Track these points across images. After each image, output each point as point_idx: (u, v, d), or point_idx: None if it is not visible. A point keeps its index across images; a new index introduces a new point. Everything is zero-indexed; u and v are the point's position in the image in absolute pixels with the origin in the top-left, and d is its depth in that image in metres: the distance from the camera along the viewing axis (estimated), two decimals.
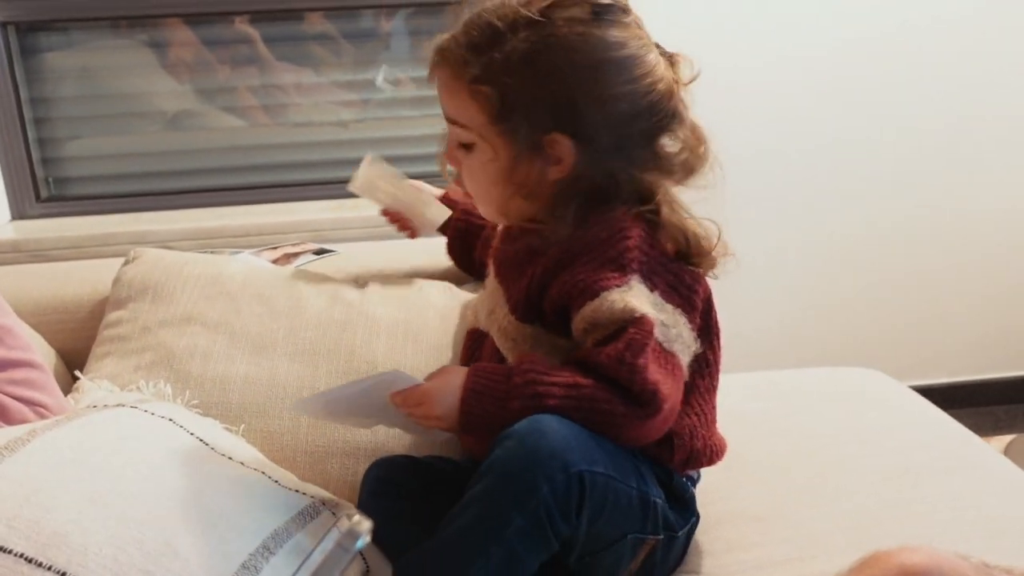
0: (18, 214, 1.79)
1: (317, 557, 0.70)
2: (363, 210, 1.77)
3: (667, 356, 0.84)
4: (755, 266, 1.97)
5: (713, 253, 0.91)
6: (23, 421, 0.90)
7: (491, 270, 1.02)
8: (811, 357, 2.02)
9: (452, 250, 1.24)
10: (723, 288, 2.04)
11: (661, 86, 0.87)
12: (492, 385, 0.82)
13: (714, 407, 0.96)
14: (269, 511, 0.84)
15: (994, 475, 1.11)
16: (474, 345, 1.05)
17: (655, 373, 0.82)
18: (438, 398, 0.83)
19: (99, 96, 1.85)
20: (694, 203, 0.94)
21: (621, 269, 0.84)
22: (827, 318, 2.06)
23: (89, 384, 1.05)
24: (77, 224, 1.73)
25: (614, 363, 0.81)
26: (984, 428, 1.27)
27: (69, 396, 1.03)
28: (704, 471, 1.01)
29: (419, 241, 1.25)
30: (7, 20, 1.71)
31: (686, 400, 0.90)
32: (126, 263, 1.21)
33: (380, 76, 1.91)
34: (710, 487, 1.03)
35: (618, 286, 0.83)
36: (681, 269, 0.89)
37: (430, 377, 0.86)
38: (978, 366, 2.15)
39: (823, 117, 1.93)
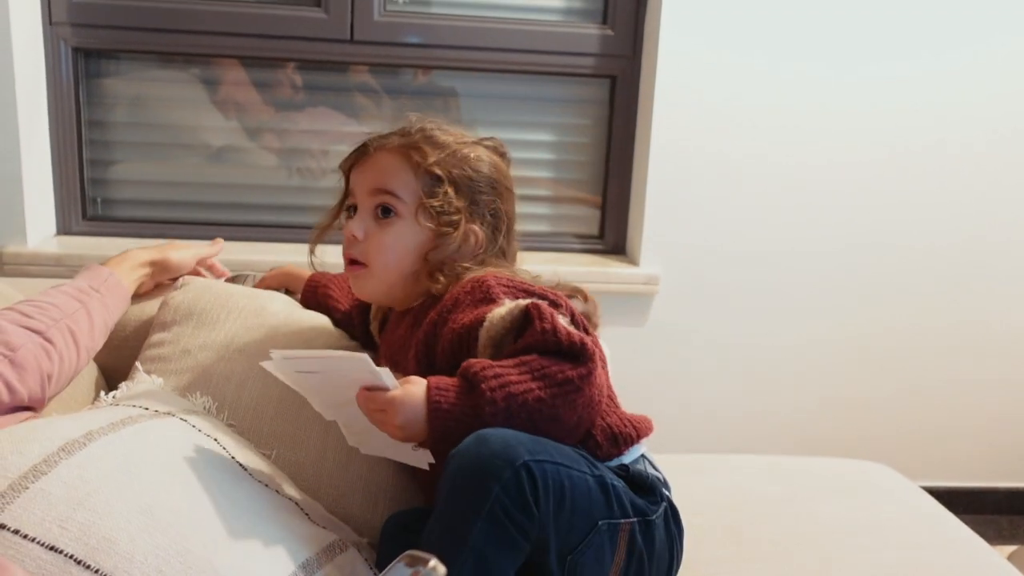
0: (64, 229, 1.84)
1: None
2: None
3: (567, 321, 0.92)
4: (778, 357, 2.01)
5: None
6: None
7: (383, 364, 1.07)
8: (822, 448, 2.04)
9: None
10: (746, 374, 2.08)
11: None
12: (451, 383, 0.86)
13: (613, 392, 1.02)
14: (301, 541, 0.86)
15: None
16: None
17: (572, 330, 0.89)
18: (400, 409, 0.84)
19: (150, 124, 1.92)
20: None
21: (491, 301, 0.94)
22: (841, 413, 2.09)
23: (144, 377, 1.09)
24: (119, 245, 1.77)
25: (538, 337, 0.88)
26: (987, 536, 1.28)
27: (123, 383, 1.10)
28: (710, 542, 1.03)
29: None
30: (78, 46, 1.78)
31: None
32: (175, 289, 1.26)
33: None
34: (715, 558, 1.05)
35: (496, 307, 0.93)
36: (544, 290, 0.99)
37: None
38: (984, 473, 2.16)
39: (850, 220, 1.98)
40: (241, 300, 1.23)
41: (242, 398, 1.11)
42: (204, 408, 1.06)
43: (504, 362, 0.87)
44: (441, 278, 1.03)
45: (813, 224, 1.97)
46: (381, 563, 0.94)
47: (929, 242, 2.01)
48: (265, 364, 0.88)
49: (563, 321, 0.90)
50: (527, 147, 2.01)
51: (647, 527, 0.93)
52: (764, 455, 1.46)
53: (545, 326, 0.88)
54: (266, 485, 0.93)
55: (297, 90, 1.95)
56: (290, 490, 0.97)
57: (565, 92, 1.97)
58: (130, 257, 1.26)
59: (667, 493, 0.98)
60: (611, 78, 1.95)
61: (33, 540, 0.72)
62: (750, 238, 1.95)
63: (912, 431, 2.11)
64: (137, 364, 1.15)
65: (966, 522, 1.29)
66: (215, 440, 0.93)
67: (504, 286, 0.97)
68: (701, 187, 1.92)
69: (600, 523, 0.88)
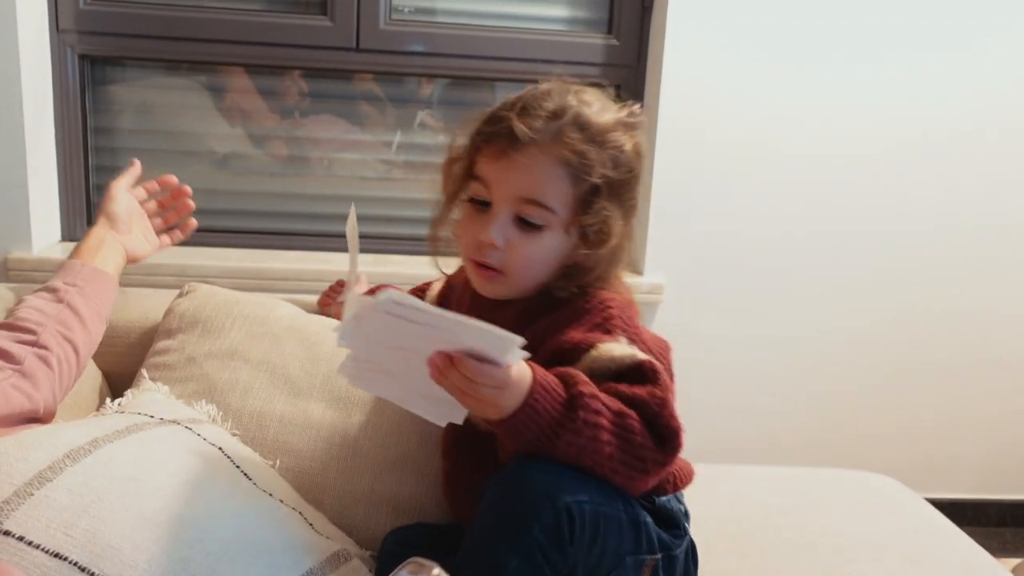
0: (69, 236, 1.84)
1: None
2: (398, 266, 1.83)
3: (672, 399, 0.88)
4: (783, 367, 2.01)
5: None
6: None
7: None
8: (826, 459, 2.04)
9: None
10: (750, 383, 2.07)
11: None
12: (556, 388, 0.81)
13: None
14: (305, 551, 0.86)
15: None
16: None
17: (677, 413, 0.84)
18: (508, 393, 0.78)
19: (156, 131, 1.92)
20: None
21: (608, 332, 0.89)
22: (845, 423, 2.08)
23: (150, 384, 1.09)
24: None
25: (650, 402, 0.83)
26: (991, 549, 1.28)
27: (128, 391, 1.10)
28: (714, 553, 1.03)
29: None
30: (85, 53, 1.79)
31: None
32: (180, 296, 1.26)
33: (418, 119, 1.99)
34: (719, 569, 1.05)
35: (609, 340, 0.88)
36: (655, 337, 0.95)
37: None
38: (989, 485, 2.16)
39: (857, 231, 1.98)
40: (246, 307, 1.23)
41: (246, 407, 1.11)
42: (209, 416, 1.06)
43: (609, 401, 0.82)
44: (573, 288, 0.94)
45: (819, 234, 1.97)
46: None
47: (935, 254, 2.00)
48: (353, 297, 0.75)
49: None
50: None
51: (670, 562, 0.93)
52: (768, 466, 1.46)
53: (661, 396, 0.83)
54: (270, 494, 0.93)
55: (302, 98, 1.95)
56: (293, 500, 0.97)
57: None
58: (89, 240, 1.19)
59: (688, 527, 0.97)
60: (615, 87, 1.95)
61: (38, 547, 0.72)
62: (754, 248, 1.96)
63: (917, 442, 2.11)
64: (142, 371, 1.16)
65: (970, 534, 1.29)
66: (219, 449, 0.94)
67: (624, 322, 0.92)
68: (705, 196, 1.92)
69: (627, 559, 0.88)
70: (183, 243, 1.84)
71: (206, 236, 1.89)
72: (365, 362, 0.81)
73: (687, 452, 0.90)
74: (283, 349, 1.19)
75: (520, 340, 0.73)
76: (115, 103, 1.88)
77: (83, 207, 1.85)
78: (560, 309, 0.93)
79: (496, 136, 0.92)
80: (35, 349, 0.99)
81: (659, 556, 0.91)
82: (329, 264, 1.81)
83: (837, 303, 2.01)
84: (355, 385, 0.81)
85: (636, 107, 0.97)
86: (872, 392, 2.07)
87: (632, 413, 0.82)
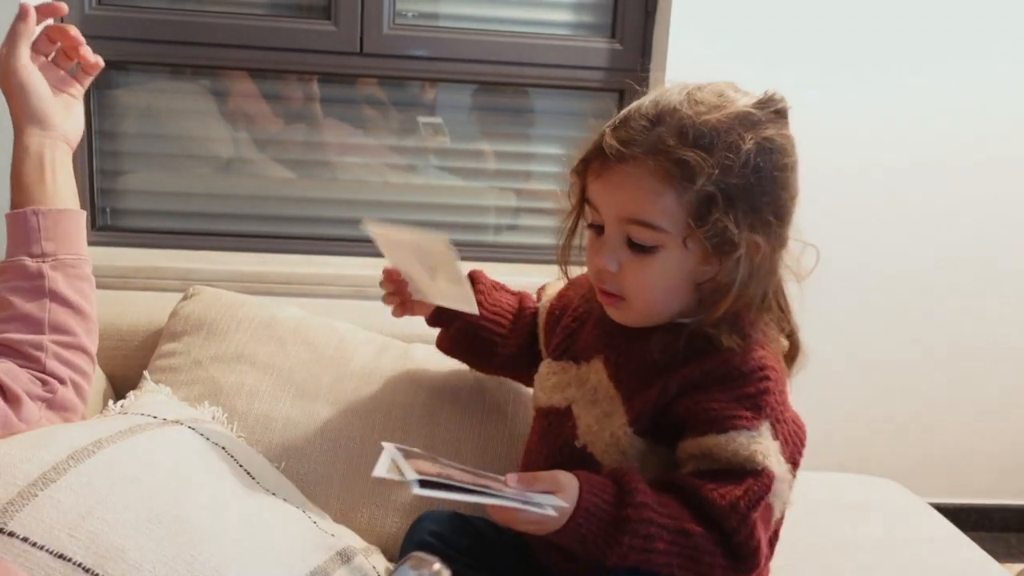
0: None
1: None
2: None
3: (769, 512, 0.82)
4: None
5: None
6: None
7: (598, 366, 0.92)
8: (830, 464, 2.03)
9: (452, 347, 1.12)
10: None
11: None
12: (604, 508, 0.78)
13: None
14: (310, 549, 0.86)
15: None
16: (551, 430, 0.95)
17: (760, 530, 0.79)
18: (548, 525, 0.77)
19: (160, 135, 1.92)
20: None
21: (756, 410, 0.81)
22: (849, 428, 2.07)
23: (152, 386, 1.09)
24: (128, 255, 1.78)
25: (727, 509, 0.78)
26: (996, 554, 1.28)
27: (131, 392, 1.07)
28: None
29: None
30: None
31: None
32: (184, 299, 1.26)
33: (422, 123, 1.99)
34: None
35: (748, 429, 0.80)
36: (795, 417, 0.88)
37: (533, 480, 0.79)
38: (993, 490, 2.15)
39: (859, 236, 1.97)
40: (251, 310, 1.24)
41: (252, 410, 1.12)
42: (213, 418, 1.06)
43: (667, 520, 0.78)
44: (718, 323, 0.83)
45: (823, 239, 1.96)
46: None
47: (938, 259, 2.00)
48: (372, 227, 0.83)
49: (760, 520, 0.80)
50: (535, 160, 2.02)
51: None
52: None
53: (740, 508, 0.78)
54: (274, 494, 0.93)
55: (306, 102, 1.95)
56: (298, 499, 0.97)
57: (573, 105, 1.98)
58: (27, 161, 0.93)
59: None
60: (619, 92, 1.95)
61: (42, 548, 0.72)
62: None
63: (921, 447, 2.10)
64: (145, 374, 1.16)
65: (974, 539, 1.28)
66: (224, 449, 0.94)
67: (776, 400, 0.83)
68: None
69: None
70: (184, 247, 1.86)
71: (209, 240, 1.90)
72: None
73: None
74: (289, 352, 1.19)
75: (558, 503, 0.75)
76: (119, 107, 1.88)
77: (87, 209, 1.85)
78: (713, 361, 0.83)
79: (595, 154, 0.85)
80: (45, 395, 0.89)
81: None
82: (334, 269, 1.81)
83: (841, 306, 2.01)
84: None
85: (775, 94, 0.88)
86: (878, 398, 2.07)
87: (699, 531, 0.78)
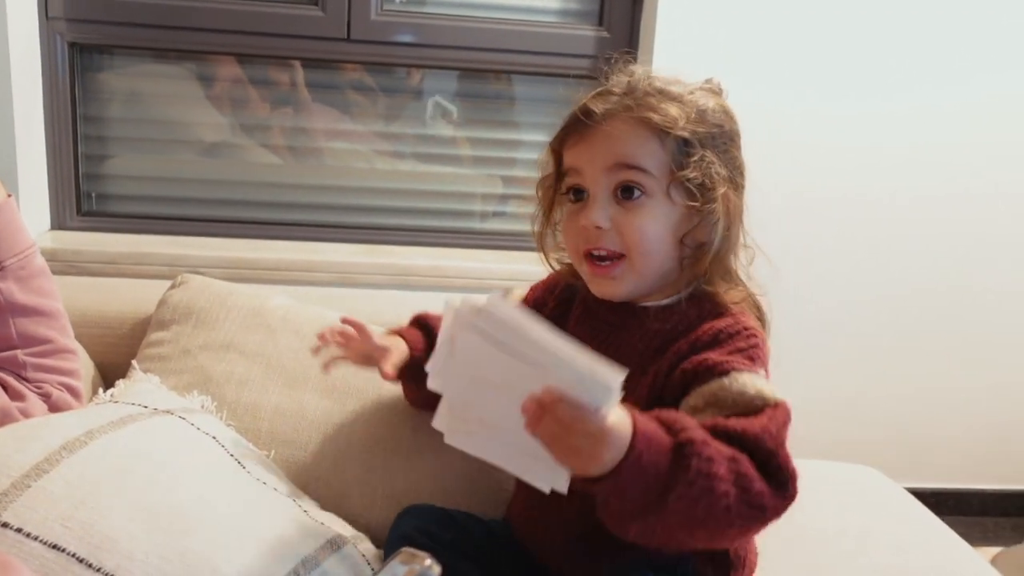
0: (58, 224, 1.84)
1: None
2: (390, 257, 1.84)
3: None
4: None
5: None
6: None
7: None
8: (807, 450, 2.05)
9: (429, 403, 0.94)
10: None
11: None
12: (659, 459, 0.68)
13: None
14: (300, 537, 0.87)
15: None
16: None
17: (791, 455, 0.76)
18: (608, 442, 0.65)
19: (146, 120, 1.91)
20: None
21: (751, 360, 0.83)
22: (826, 413, 2.10)
23: (141, 375, 1.10)
24: (113, 240, 1.78)
25: (760, 432, 0.74)
26: (972, 538, 1.30)
27: (119, 381, 1.06)
28: None
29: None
30: (74, 41, 1.78)
31: None
32: (173, 287, 1.26)
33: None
34: None
35: (749, 370, 0.81)
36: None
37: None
38: (969, 475, 2.19)
39: (839, 219, 2.00)
40: (240, 299, 1.24)
41: (241, 399, 1.12)
42: (202, 407, 1.07)
43: (720, 446, 0.71)
44: (703, 277, 0.88)
45: (802, 228, 1.98)
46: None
47: (918, 245, 2.03)
48: (454, 305, 0.68)
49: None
50: (522, 147, 2.02)
51: None
52: None
53: (773, 432, 0.75)
54: (264, 483, 0.94)
55: (293, 87, 1.95)
56: (288, 488, 0.98)
57: (561, 93, 1.98)
58: None
59: None
60: (606, 80, 1.96)
61: (36, 539, 0.73)
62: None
63: (899, 433, 2.14)
64: (134, 363, 1.16)
65: (951, 524, 1.31)
66: (214, 438, 0.94)
67: (766, 357, 0.86)
68: None
69: None
70: (171, 232, 1.86)
71: (196, 225, 1.90)
72: (460, 410, 0.72)
73: None
74: (278, 341, 1.20)
75: (620, 379, 0.63)
76: (104, 91, 1.87)
77: (72, 195, 1.84)
78: (699, 332, 0.86)
79: (575, 123, 0.90)
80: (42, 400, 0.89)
81: None
82: (321, 255, 1.81)
83: (817, 293, 2.03)
84: (452, 443, 0.72)
85: (715, 79, 0.96)
86: (854, 384, 2.09)
87: (744, 457, 0.72)
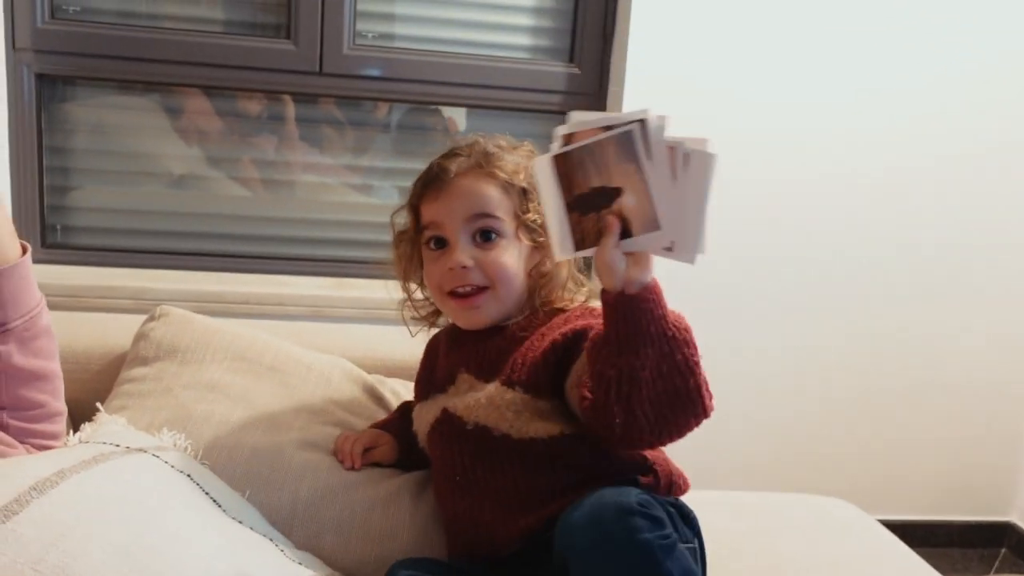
0: None
1: None
2: (359, 290, 1.82)
3: None
4: (732, 390, 2.04)
5: None
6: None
7: (465, 376, 1.07)
8: (778, 483, 2.07)
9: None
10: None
11: None
12: (664, 311, 0.87)
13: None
14: None
15: None
16: (442, 441, 1.06)
17: None
18: (643, 265, 0.85)
19: (111, 152, 1.89)
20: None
21: (598, 319, 0.93)
22: (797, 447, 2.12)
23: (107, 417, 1.07)
24: (79, 273, 1.75)
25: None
26: (941, 569, 1.32)
27: (87, 424, 1.04)
28: None
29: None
30: (41, 72, 1.76)
31: None
32: (152, 319, 1.24)
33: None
34: None
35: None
36: None
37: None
38: (938, 507, 2.21)
39: (819, 255, 2.02)
40: (225, 337, 1.22)
41: (219, 439, 1.10)
42: (175, 445, 1.05)
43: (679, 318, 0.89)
44: (560, 292, 1.07)
45: (774, 260, 2.01)
46: None
47: (886, 280, 2.06)
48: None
49: None
50: None
51: (701, 552, 1.01)
52: (723, 491, 1.48)
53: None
54: (240, 522, 0.92)
55: (261, 120, 1.94)
56: (263, 527, 0.96)
57: (533, 128, 2.00)
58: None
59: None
60: None
61: None
62: (708, 273, 1.98)
63: (870, 465, 2.16)
64: (99, 405, 1.13)
65: (921, 555, 1.32)
66: (189, 477, 0.92)
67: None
68: None
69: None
70: (136, 265, 1.83)
71: (162, 258, 1.87)
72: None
73: None
74: (263, 388, 1.18)
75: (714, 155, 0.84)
76: (70, 122, 1.85)
77: (37, 227, 1.81)
78: (556, 320, 1.02)
79: (431, 181, 1.06)
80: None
81: (695, 544, 1.00)
82: (290, 288, 1.79)
83: (788, 328, 2.05)
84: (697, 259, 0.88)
85: (527, 143, 1.13)
86: (825, 415, 2.11)
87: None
